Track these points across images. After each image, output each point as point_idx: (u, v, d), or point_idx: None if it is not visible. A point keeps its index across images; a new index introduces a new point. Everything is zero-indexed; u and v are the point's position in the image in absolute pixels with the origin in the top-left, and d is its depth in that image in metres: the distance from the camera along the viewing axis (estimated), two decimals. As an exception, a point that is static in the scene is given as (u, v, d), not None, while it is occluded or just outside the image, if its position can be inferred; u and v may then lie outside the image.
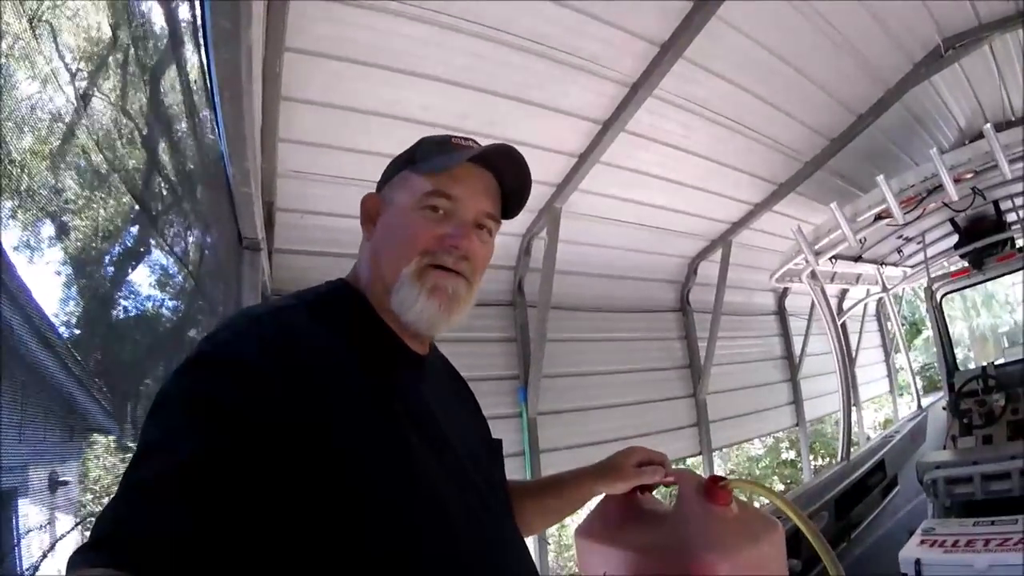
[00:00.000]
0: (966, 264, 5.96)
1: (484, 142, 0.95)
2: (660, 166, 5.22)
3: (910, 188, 4.51)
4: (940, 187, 4.35)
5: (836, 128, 5.60)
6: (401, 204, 0.89)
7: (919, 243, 6.91)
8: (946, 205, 4.94)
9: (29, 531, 0.96)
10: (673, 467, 1.11)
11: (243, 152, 2.12)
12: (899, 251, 7.60)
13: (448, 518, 0.77)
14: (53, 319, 1.12)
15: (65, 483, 1.12)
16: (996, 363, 5.65)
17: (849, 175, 6.34)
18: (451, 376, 1.09)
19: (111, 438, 1.36)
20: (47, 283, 1.13)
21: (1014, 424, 4.93)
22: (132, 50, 1.49)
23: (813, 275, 6.10)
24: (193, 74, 1.97)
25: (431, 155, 0.90)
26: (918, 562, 3.34)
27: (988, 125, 4.12)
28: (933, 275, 6.35)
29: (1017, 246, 5.74)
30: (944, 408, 5.90)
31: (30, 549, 0.96)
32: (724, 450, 11.06)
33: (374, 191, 0.97)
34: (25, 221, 1.04)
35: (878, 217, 4.81)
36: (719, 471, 10.43)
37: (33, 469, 1.01)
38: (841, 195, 5.80)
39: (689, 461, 7.36)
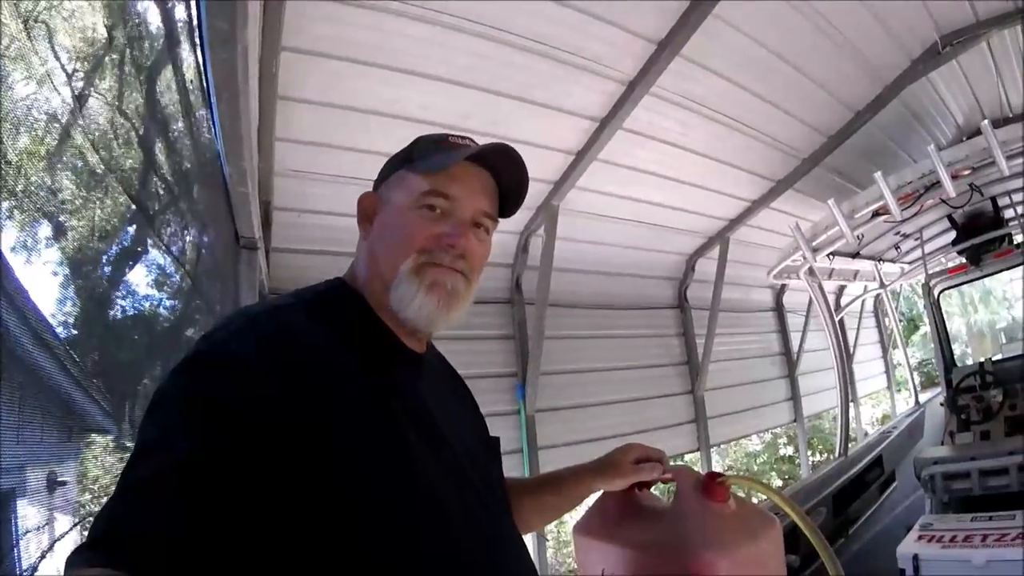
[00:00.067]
0: (964, 260, 5.96)
1: (482, 141, 0.94)
2: (658, 163, 5.22)
3: (908, 185, 4.51)
4: (938, 184, 4.35)
5: (834, 125, 5.61)
6: (398, 203, 0.89)
7: (917, 239, 6.91)
8: (944, 202, 4.94)
9: (28, 532, 0.96)
10: (671, 463, 1.11)
11: (240, 151, 2.12)
12: (897, 247, 7.61)
13: (446, 517, 0.78)
14: (50, 320, 1.12)
15: (64, 483, 1.12)
16: (994, 359, 5.65)
17: (847, 172, 6.34)
18: (449, 374, 1.09)
19: (109, 438, 1.37)
20: (44, 284, 1.13)
21: (1012, 420, 4.93)
22: (128, 50, 1.49)
23: (811, 272, 6.10)
24: (189, 74, 1.97)
25: (428, 154, 0.90)
26: (916, 557, 3.35)
27: (986, 122, 4.11)
28: (931, 271, 6.34)
29: (1015, 242, 5.75)
30: (942, 404, 5.91)
31: (29, 549, 0.96)
32: (722, 446, 11.12)
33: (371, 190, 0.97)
34: (22, 221, 1.04)
35: (876, 214, 4.81)
36: (717, 467, 10.46)
37: (31, 469, 1.01)
38: (839, 192, 5.80)
39: (687, 457, 7.37)
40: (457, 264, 0.88)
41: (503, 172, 0.93)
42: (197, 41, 1.89)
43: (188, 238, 2.07)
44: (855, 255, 6.92)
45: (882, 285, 8.08)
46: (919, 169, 4.49)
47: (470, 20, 3.34)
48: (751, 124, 5.17)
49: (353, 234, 0.96)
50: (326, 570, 0.67)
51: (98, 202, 1.32)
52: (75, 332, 1.30)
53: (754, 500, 1.44)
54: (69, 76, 1.20)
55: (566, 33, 3.65)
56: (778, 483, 12.79)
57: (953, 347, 6.23)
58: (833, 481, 5.36)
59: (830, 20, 4.27)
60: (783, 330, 9.14)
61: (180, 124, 1.96)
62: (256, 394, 0.67)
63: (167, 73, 1.84)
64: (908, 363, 9.52)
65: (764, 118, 5.14)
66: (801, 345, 9.08)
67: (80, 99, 1.25)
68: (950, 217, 6.02)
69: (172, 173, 1.86)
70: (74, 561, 0.55)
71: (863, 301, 9.48)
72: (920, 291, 6.72)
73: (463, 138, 0.93)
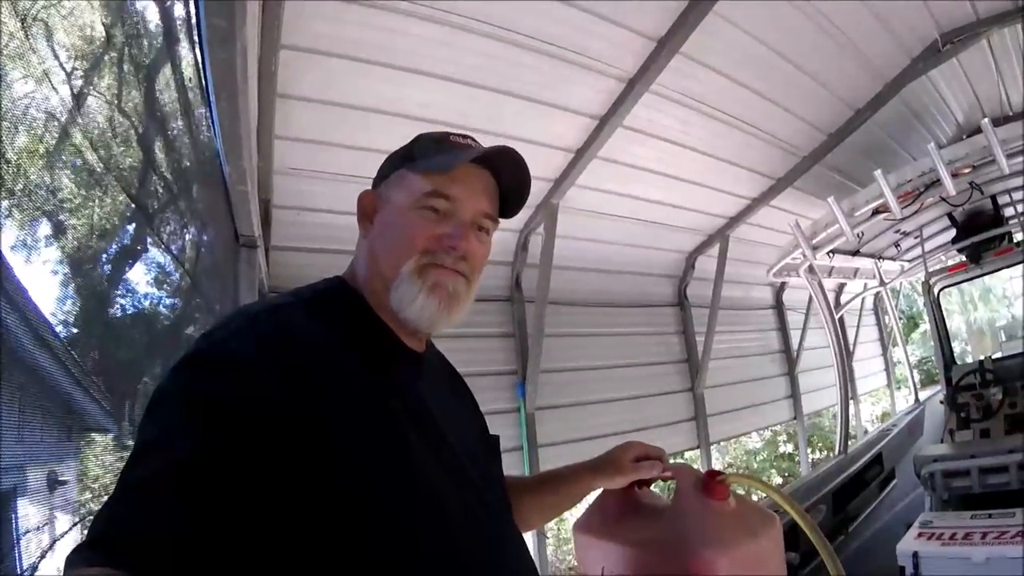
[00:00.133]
0: (964, 258, 5.95)
1: (482, 139, 0.94)
2: (658, 161, 5.22)
3: (908, 183, 4.51)
4: (938, 182, 4.35)
5: (834, 123, 5.61)
6: (399, 203, 0.89)
7: (917, 237, 6.91)
8: (944, 200, 4.94)
9: (28, 531, 0.96)
10: (671, 461, 1.11)
11: (239, 150, 2.12)
12: (897, 245, 7.60)
13: (446, 516, 0.78)
14: (50, 319, 1.12)
15: (64, 483, 1.12)
16: (994, 357, 5.66)
17: (847, 170, 6.35)
18: (448, 373, 1.09)
19: (110, 437, 1.37)
20: (44, 282, 1.13)
21: (1012, 418, 4.93)
22: (127, 49, 1.49)
23: (811, 269, 6.11)
24: (188, 72, 1.97)
25: (429, 153, 0.90)
26: (916, 555, 3.34)
27: (986, 120, 4.11)
28: (931, 269, 6.34)
29: (1015, 240, 5.74)
30: (941, 402, 5.90)
31: (29, 549, 0.96)
32: (722, 444, 11.11)
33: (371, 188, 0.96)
34: (21, 220, 1.04)
35: (876, 212, 4.81)
36: (717, 465, 10.47)
37: (32, 469, 1.01)
38: (839, 190, 5.79)
39: (687, 455, 7.39)
40: (459, 266, 0.87)
41: (504, 173, 0.93)
42: (196, 39, 1.89)
43: (188, 237, 2.07)
44: (855, 253, 6.92)
45: (882, 283, 8.07)
46: (919, 167, 4.49)
47: (474, 19, 3.35)
48: (751, 122, 5.17)
49: (353, 232, 0.95)
50: (326, 569, 0.67)
51: (97, 201, 1.32)
52: (75, 331, 1.30)
53: (754, 498, 1.45)
54: (68, 75, 1.19)
55: (566, 31, 3.65)
56: (778, 480, 12.80)
57: (953, 345, 6.23)
58: (833, 479, 5.37)
59: (830, 18, 4.27)
60: (783, 328, 9.15)
61: (179, 122, 1.95)
62: (256, 393, 0.67)
63: (166, 71, 1.83)
64: (908, 361, 9.53)
65: (764, 116, 5.14)
66: (801, 343, 9.09)
67: (79, 97, 1.24)
68: (950, 215, 6.01)
69: (171, 172, 1.86)
70: (74, 560, 0.55)
71: (863, 299, 9.48)
72: (920, 289, 6.72)
73: (464, 137, 0.93)
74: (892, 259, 7.85)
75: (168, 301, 1.92)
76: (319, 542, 0.66)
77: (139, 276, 1.66)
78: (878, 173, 4.49)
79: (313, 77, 3.33)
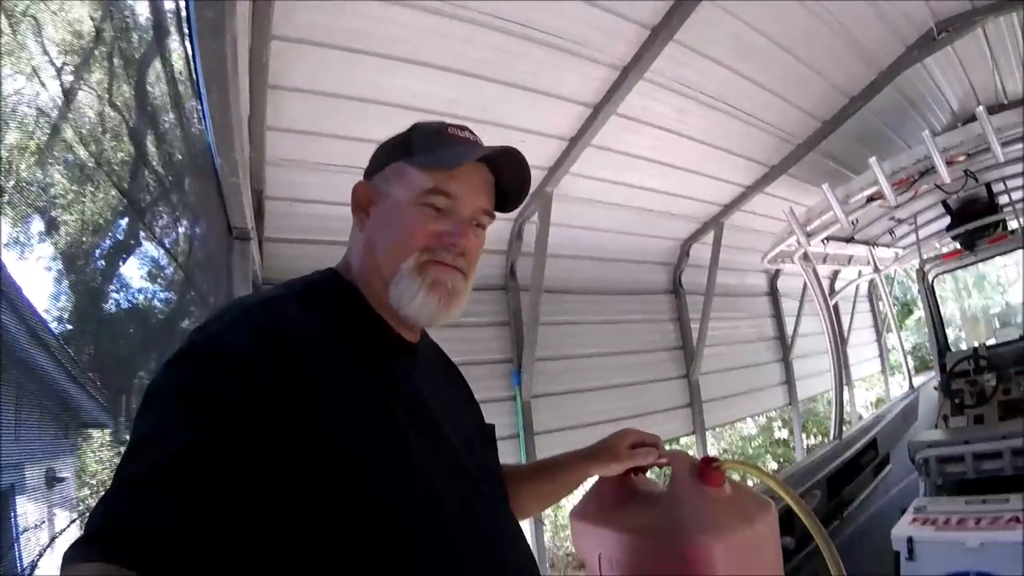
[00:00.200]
0: (958, 246, 5.98)
1: (475, 128, 0.94)
2: (652, 149, 5.20)
3: (902, 170, 4.51)
4: (932, 169, 4.34)
5: (828, 110, 5.60)
6: (399, 198, 0.88)
7: (911, 224, 6.92)
8: (938, 187, 4.95)
9: (27, 529, 0.96)
10: (666, 448, 1.12)
11: (231, 142, 2.11)
12: (891, 232, 7.63)
13: (444, 510, 0.78)
14: (44, 315, 1.11)
15: (62, 479, 1.13)
16: (988, 344, 5.69)
17: (841, 157, 6.34)
18: (443, 362, 1.09)
19: (107, 432, 1.37)
20: (37, 279, 1.12)
21: (1005, 404, 4.97)
22: (117, 42, 1.47)
23: (805, 256, 6.11)
24: (179, 65, 1.95)
25: (428, 147, 0.89)
26: (910, 540, 3.37)
27: (981, 108, 4.12)
28: (925, 256, 6.37)
29: (1009, 228, 5.77)
30: (935, 388, 5.94)
31: (29, 546, 0.96)
32: (717, 430, 11.18)
33: (365, 179, 0.95)
34: (14, 218, 1.03)
35: (870, 199, 4.81)
36: (712, 451, 10.53)
37: (30, 467, 1.01)
38: (833, 177, 5.79)
39: (682, 441, 7.43)
40: (457, 262, 0.88)
41: (506, 172, 0.93)
42: (186, 31, 1.87)
43: (180, 230, 2.06)
44: (849, 240, 6.94)
45: (876, 270, 8.09)
46: (914, 154, 4.48)
47: (465, 7, 3.32)
48: (745, 109, 5.15)
49: (346, 223, 0.95)
50: (324, 562, 0.67)
51: (89, 195, 1.31)
52: (69, 327, 1.29)
53: (749, 483, 1.45)
54: (58, 70, 1.18)
55: (559, 19, 3.62)
56: (773, 466, 12.89)
57: (947, 332, 6.27)
58: (827, 464, 5.39)
59: (825, 5, 4.25)
60: (777, 314, 9.19)
61: (170, 115, 1.94)
62: (250, 385, 0.67)
63: (156, 64, 1.82)
64: (902, 347, 9.56)
65: (759, 103, 5.13)
66: (795, 329, 9.13)
67: (69, 92, 1.23)
68: (944, 203, 6.03)
69: (163, 165, 1.85)
70: (71, 556, 0.55)
71: (857, 286, 9.50)
72: (914, 276, 6.74)
73: (461, 129, 0.93)
74: (887, 246, 7.87)
75: (162, 295, 1.92)
76: (316, 535, 0.66)
77: (132, 271, 1.66)
78: (873, 160, 4.49)
79: (304, 67, 3.30)
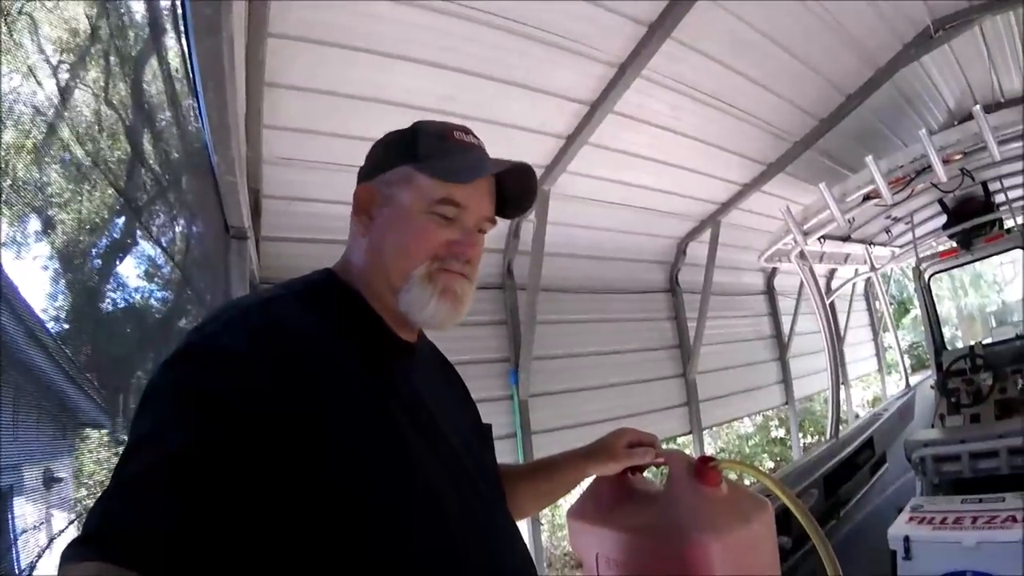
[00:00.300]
0: (954, 244, 5.98)
1: (473, 125, 0.94)
2: (649, 147, 5.20)
3: (899, 169, 4.52)
4: (929, 168, 4.36)
5: (825, 108, 5.60)
6: (407, 205, 0.87)
7: (907, 223, 6.94)
8: (935, 186, 4.95)
9: (25, 530, 0.96)
10: (663, 447, 1.12)
11: (227, 140, 2.10)
12: (887, 231, 7.65)
13: (443, 511, 0.78)
14: (41, 315, 1.11)
15: (60, 480, 1.12)
16: (984, 343, 5.70)
17: (838, 156, 6.35)
18: (440, 362, 1.09)
19: (104, 432, 1.36)
20: (34, 278, 1.12)
21: (1001, 403, 4.98)
22: (113, 40, 1.47)
23: (802, 255, 6.13)
24: (175, 63, 1.94)
25: (435, 153, 0.88)
26: (907, 539, 3.37)
27: (977, 106, 4.13)
28: (921, 255, 6.37)
29: (1005, 227, 5.78)
30: (932, 387, 5.94)
31: (27, 547, 0.96)
32: (714, 429, 11.18)
33: (365, 178, 0.94)
34: (11, 217, 1.03)
35: (867, 197, 4.82)
36: (709, 450, 10.55)
37: (28, 467, 1.00)
38: (830, 175, 5.81)
39: (679, 440, 7.44)
40: (465, 269, 0.90)
41: (508, 176, 0.93)
42: (182, 28, 1.87)
43: (177, 229, 2.06)
44: (846, 238, 6.96)
45: (873, 268, 8.12)
46: (910, 153, 4.50)
47: (460, 4, 3.31)
48: (742, 107, 5.16)
49: (344, 222, 0.94)
50: (322, 563, 0.67)
51: (86, 195, 1.30)
52: (66, 327, 1.29)
53: (746, 483, 1.46)
54: (54, 68, 1.18)
55: (555, 15, 3.61)
56: (770, 465, 12.92)
57: (943, 330, 6.28)
58: (824, 463, 5.39)
59: (822, 3, 4.26)
60: (774, 313, 9.20)
61: (167, 113, 1.93)
62: (248, 385, 0.67)
63: (153, 62, 1.81)
64: (899, 346, 9.57)
65: (755, 101, 5.13)
66: (792, 328, 9.15)
67: (65, 91, 1.23)
68: (941, 201, 6.03)
69: (160, 163, 1.84)
70: (68, 556, 0.55)
71: (854, 284, 9.54)
72: (911, 274, 6.75)
73: (466, 132, 0.93)
74: (883, 245, 7.90)
75: (159, 294, 1.92)
76: (314, 535, 0.66)
77: (129, 270, 1.65)
78: (869, 159, 4.50)
79: (301, 65, 3.29)
